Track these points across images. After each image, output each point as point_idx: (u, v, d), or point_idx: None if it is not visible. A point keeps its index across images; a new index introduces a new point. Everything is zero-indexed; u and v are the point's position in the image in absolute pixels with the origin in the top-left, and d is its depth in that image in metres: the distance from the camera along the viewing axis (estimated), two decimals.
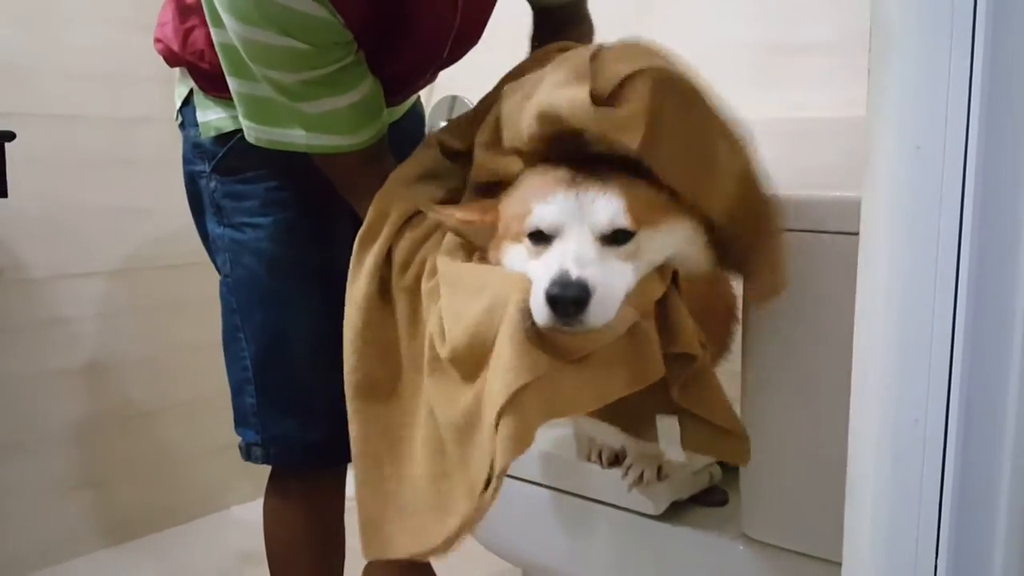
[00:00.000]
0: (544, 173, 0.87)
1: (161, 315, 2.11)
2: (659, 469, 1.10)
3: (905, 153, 0.56)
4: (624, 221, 0.81)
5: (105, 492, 2.04)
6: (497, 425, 0.77)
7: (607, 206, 0.81)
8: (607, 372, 0.82)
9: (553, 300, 0.76)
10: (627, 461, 1.11)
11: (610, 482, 1.13)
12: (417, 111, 1.45)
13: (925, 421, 0.60)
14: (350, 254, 1.25)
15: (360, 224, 1.06)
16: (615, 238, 0.81)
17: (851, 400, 0.64)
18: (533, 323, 0.78)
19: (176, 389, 2.14)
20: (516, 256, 0.86)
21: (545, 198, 0.84)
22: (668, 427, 0.94)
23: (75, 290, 1.96)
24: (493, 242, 0.90)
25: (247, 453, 1.27)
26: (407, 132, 1.35)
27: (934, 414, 0.59)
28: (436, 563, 1.76)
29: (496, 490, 0.80)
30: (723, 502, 1.13)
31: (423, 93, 1.45)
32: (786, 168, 0.93)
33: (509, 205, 0.89)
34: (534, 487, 1.22)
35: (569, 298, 0.76)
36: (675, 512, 1.11)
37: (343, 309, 1.22)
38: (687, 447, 0.92)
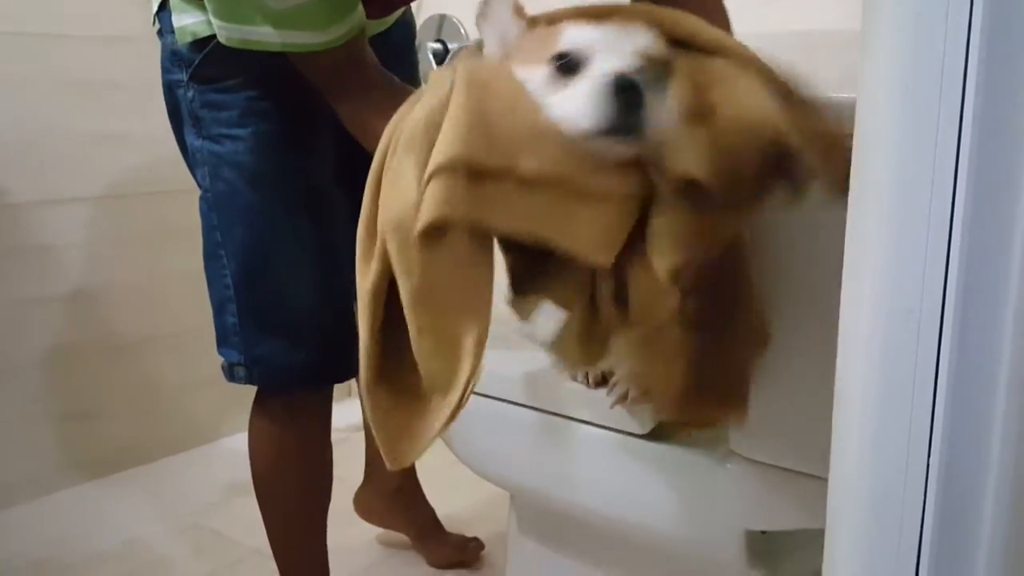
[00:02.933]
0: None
1: (148, 242, 2.07)
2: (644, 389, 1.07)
3: (907, 22, 0.52)
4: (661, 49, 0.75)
5: (92, 423, 2.02)
6: (427, 183, 0.71)
7: (643, 33, 0.76)
8: (563, 208, 0.73)
9: (623, 85, 0.70)
10: (612, 379, 1.08)
11: (596, 402, 1.10)
12: (407, 21, 1.38)
13: (920, 310, 0.56)
14: (331, 166, 1.22)
15: (342, 131, 1.01)
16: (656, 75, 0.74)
17: (841, 293, 0.60)
18: None
19: (164, 318, 2.12)
20: (532, 82, 0.75)
21: (576, 24, 0.76)
22: None
23: (57, 216, 1.92)
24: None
25: (230, 373, 1.25)
26: (397, 44, 1.31)
27: (929, 303, 0.56)
28: (428, 488, 1.76)
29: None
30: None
31: (413, 7, 1.38)
32: None
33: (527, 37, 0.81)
34: (520, 409, 1.19)
35: (639, 85, 0.70)
36: (661, 430, 1.08)
37: (326, 223, 1.20)
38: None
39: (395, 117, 0.82)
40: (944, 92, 0.54)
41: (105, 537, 1.86)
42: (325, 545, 1.37)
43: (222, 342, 1.24)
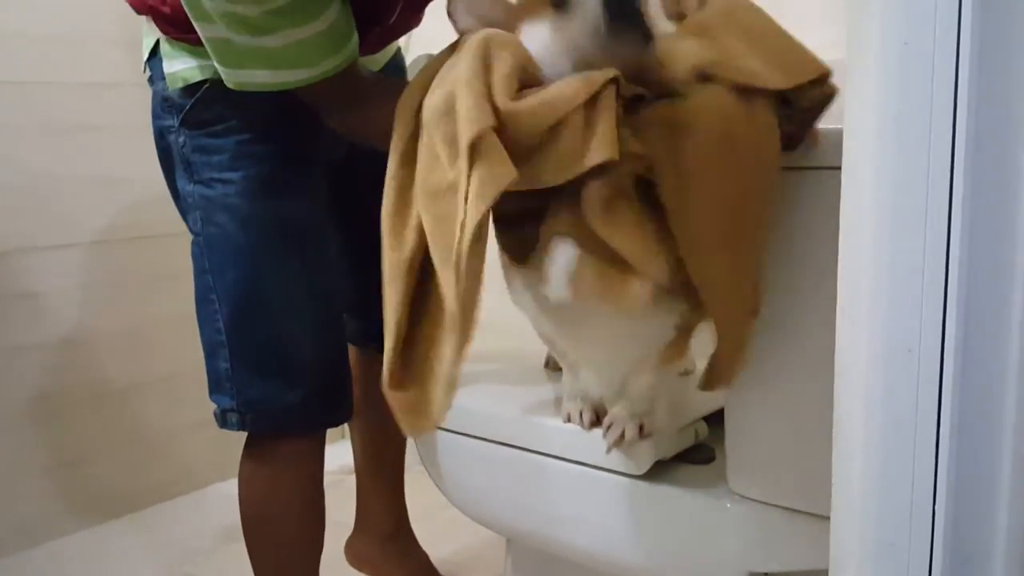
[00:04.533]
0: None
1: (136, 287, 2.05)
2: (641, 427, 1.05)
3: (892, 49, 0.51)
4: None
5: (82, 470, 1.99)
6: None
7: None
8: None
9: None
10: (606, 420, 1.06)
11: (592, 444, 1.08)
12: (397, 63, 1.40)
13: (919, 349, 0.54)
14: (323, 209, 1.22)
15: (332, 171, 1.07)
16: None
17: (837, 330, 0.58)
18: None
19: (153, 364, 2.09)
20: (536, 38, 0.83)
21: None
22: None
23: (45, 263, 1.90)
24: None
25: (222, 420, 1.22)
26: None
27: (928, 341, 0.54)
28: (421, 534, 1.73)
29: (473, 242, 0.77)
30: (709, 459, 1.08)
31: (403, 46, 1.41)
32: None
33: None
34: (515, 451, 1.17)
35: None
36: (659, 471, 1.06)
37: (319, 265, 1.20)
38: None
39: (407, 100, 0.88)
40: (934, 121, 0.53)
41: None
42: None
43: (214, 388, 1.22)
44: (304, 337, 1.20)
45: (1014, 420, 0.53)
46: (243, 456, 1.28)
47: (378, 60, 1.31)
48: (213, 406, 1.23)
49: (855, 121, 0.55)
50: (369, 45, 1.18)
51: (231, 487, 2.15)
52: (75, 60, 1.92)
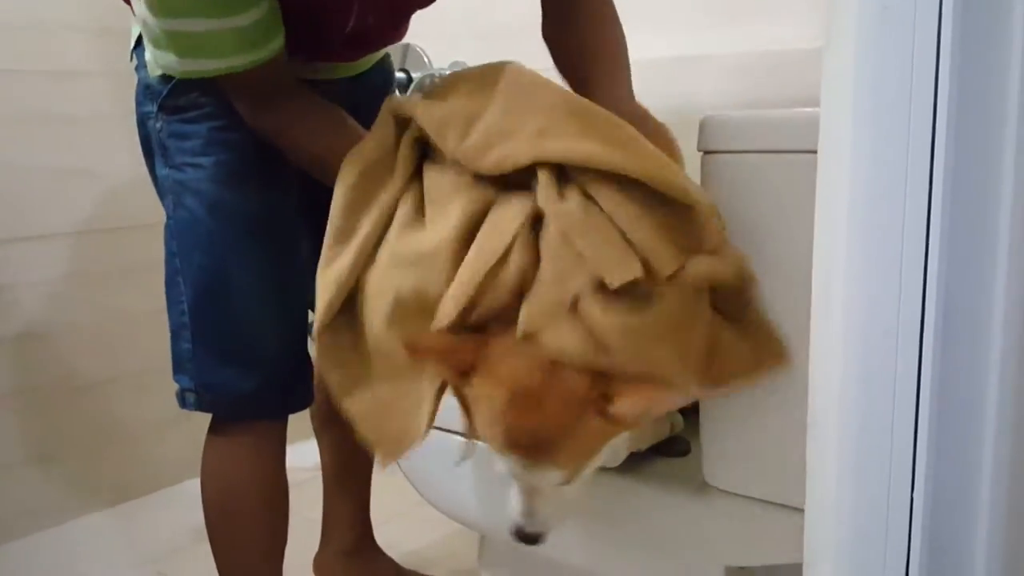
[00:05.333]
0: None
1: (107, 280, 2.00)
2: None
3: (871, 14, 0.49)
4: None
5: (51, 467, 1.94)
6: None
7: (552, 475, 0.83)
8: None
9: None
10: None
11: None
12: (384, 66, 1.40)
13: (897, 332, 0.52)
14: (292, 204, 1.21)
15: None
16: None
17: (813, 314, 0.56)
18: None
19: (124, 359, 2.04)
20: None
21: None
22: None
23: (13, 255, 1.86)
24: None
25: (182, 399, 1.23)
26: (374, 88, 1.34)
27: (907, 324, 0.52)
28: (396, 529, 1.71)
29: None
30: (685, 452, 1.07)
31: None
32: (754, 104, 0.87)
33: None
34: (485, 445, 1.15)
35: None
36: (635, 464, 1.04)
37: (284, 255, 1.21)
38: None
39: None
40: (914, 101, 0.51)
41: None
42: None
43: (176, 368, 1.23)
44: (264, 326, 1.21)
45: (995, 406, 0.51)
46: (206, 439, 1.29)
47: (357, 67, 1.32)
48: (176, 387, 1.24)
49: (831, 95, 0.53)
50: (338, 54, 1.23)
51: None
52: (42, 48, 1.88)
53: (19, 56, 1.84)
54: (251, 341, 1.20)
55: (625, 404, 0.78)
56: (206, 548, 1.79)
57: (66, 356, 1.96)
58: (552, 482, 0.83)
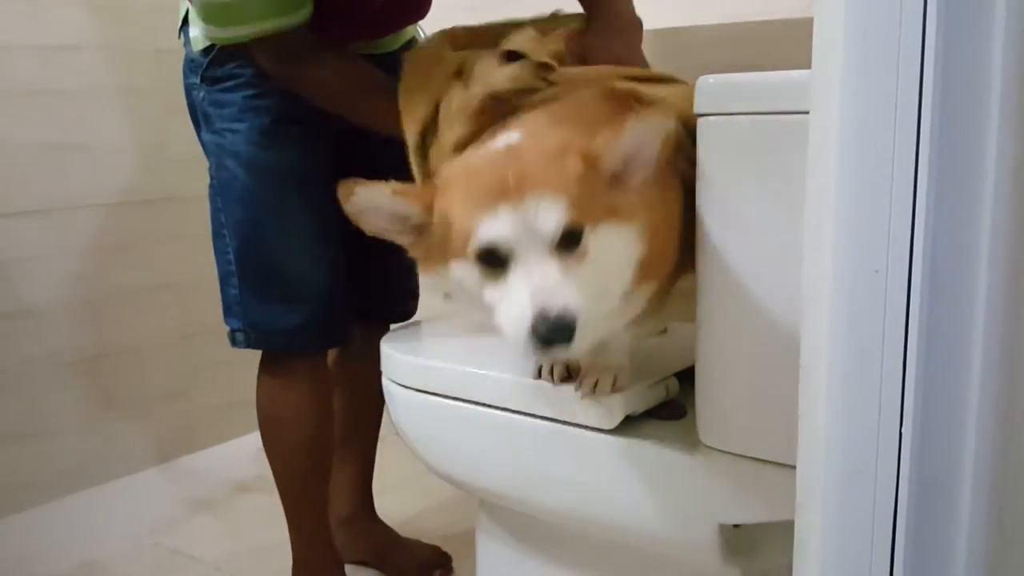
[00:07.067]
0: (477, 173, 0.88)
1: (100, 256, 1.99)
2: (614, 381, 1.04)
3: None
4: (569, 217, 0.82)
5: (45, 443, 1.94)
6: None
7: (549, 210, 0.81)
8: None
9: (545, 341, 0.79)
10: (584, 370, 1.05)
11: (561, 399, 1.07)
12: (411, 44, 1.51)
13: (886, 270, 0.53)
14: (326, 156, 1.39)
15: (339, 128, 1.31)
16: (566, 242, 0.82)
17: (804, 256, 0.57)
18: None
19: (119, 335, 2.04)
20: (468, 276, 0.86)
21: (485, 214, 0.83)
22: None
23: (4, 230, 1.86)
24: (432, 250, 0.91)
25: (232, 339, 1.41)
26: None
27: (895, 261, 0.53)
28: (394, 499, 1.73)
29: None
30: (680, 415, 1.08)
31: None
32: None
33: (447, 205, 0.88)
34: (483, 409, 1.16)
35: (559, 339, 0.79)
36: (630, 426, 1.05)
37: (318, 206, 1.35)
38: None
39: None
40: (903, 38, 0.52)
41: (59, 560, 1.80)
42: (327, 491, 1.51)
43: (227, 312, 1.41)
44: (303, 270, 1.38)
45: (982, 342, 0.52)
46: (258, 374, 1.45)
47: (383, 45, 1.46)
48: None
49: (823, 39, 0.54)
50: (364, 32, 1.39)
51: (198, 460, 2.15)
52: (31, 21, 1.87)
53: (10, 29, 1.83)
54: (292, 283, 1.37)
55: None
56: (201, 520, 1.83)
57: (58, 332, 1.96)
58: (554, 220, 0.82)
